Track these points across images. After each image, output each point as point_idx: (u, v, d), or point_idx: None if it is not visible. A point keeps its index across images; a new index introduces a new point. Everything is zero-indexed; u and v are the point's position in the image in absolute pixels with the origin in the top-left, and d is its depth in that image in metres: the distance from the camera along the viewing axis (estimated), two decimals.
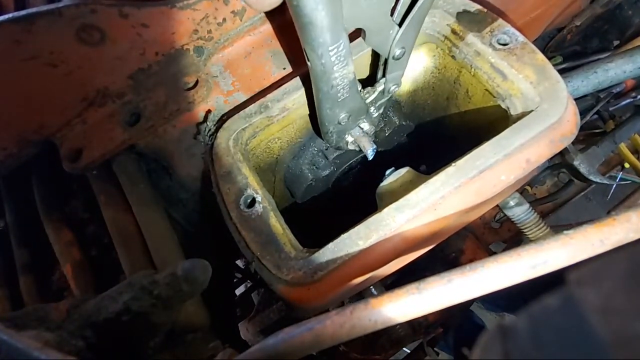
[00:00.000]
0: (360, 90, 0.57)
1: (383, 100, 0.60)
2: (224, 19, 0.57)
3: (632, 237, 0.28)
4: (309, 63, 0.47)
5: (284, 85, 0.59)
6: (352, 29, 0.46)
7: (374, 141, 0.63)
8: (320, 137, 0.62)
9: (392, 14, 0.48)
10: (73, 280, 0.53)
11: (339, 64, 0.47)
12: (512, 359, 0.23)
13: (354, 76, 0.51)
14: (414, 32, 0.51)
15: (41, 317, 0.37)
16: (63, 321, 0.36)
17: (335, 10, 0.41)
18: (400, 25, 0.49)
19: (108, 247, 0.54)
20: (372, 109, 0.61)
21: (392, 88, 0.58)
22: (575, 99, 0.79)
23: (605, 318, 0.21)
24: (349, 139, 0.62)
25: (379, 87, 0.57)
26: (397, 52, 0.52)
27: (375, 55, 0.58)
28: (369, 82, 0.60)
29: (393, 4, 0.47)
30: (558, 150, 0.49)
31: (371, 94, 0.58)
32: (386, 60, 0.54)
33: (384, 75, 0.56)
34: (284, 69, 0.62)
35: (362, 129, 0.62)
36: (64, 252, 0.55)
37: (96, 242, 0.58)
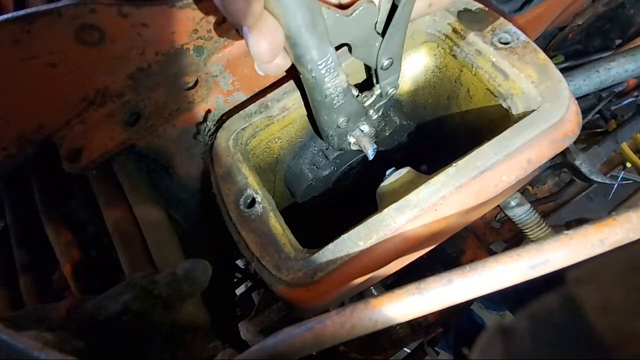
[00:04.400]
0: (358, 95, 0.57)
1: (382, 103, 0.60)
2: (224, 18, 0.57)
3: (632, 237, 0.28)
4: (301, 75, 0.48)
5: (284, 85, 0.59)
6: (337, 44, 0.46)
7: (374, 141, 0.63)
8: (321, 138, 0.62)
9: (375, 26, 0.48)
10: (73, 280, 0.53)
11: (330, 75, 0.48)
12: (512, 358, 0.23)
13: (347, 84, 0.52)
14: (399, 41, 0.51)
15: (41, 317, 0.37)
16: (63, 321, 0.36)
17: (318, 30, 0.42)
18: (382, 35, 0.49)
19: (108, 247, 0.54)
20: (371, 111, 0.60)
21: (390, 91, 0.58)
22: (577, 98, 0.79)
23: (605, 317, 0.20)
24: (351, 139, 0.62)
25: (376, 91, 0.57)
26: (385, 62, 0.52)
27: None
28: (367, 84, 0.60)
29: (376, 18, 0.47)
30: (560, 150, 0.49)
31: (369, 98, 0.58)
32: (376, 70, 0.54)
33: (377, 82, 0.56)
34: None
35: (362, 131, 0.62)
36: (64, 252, 0.55)
37: (96, 242, 0.58)
